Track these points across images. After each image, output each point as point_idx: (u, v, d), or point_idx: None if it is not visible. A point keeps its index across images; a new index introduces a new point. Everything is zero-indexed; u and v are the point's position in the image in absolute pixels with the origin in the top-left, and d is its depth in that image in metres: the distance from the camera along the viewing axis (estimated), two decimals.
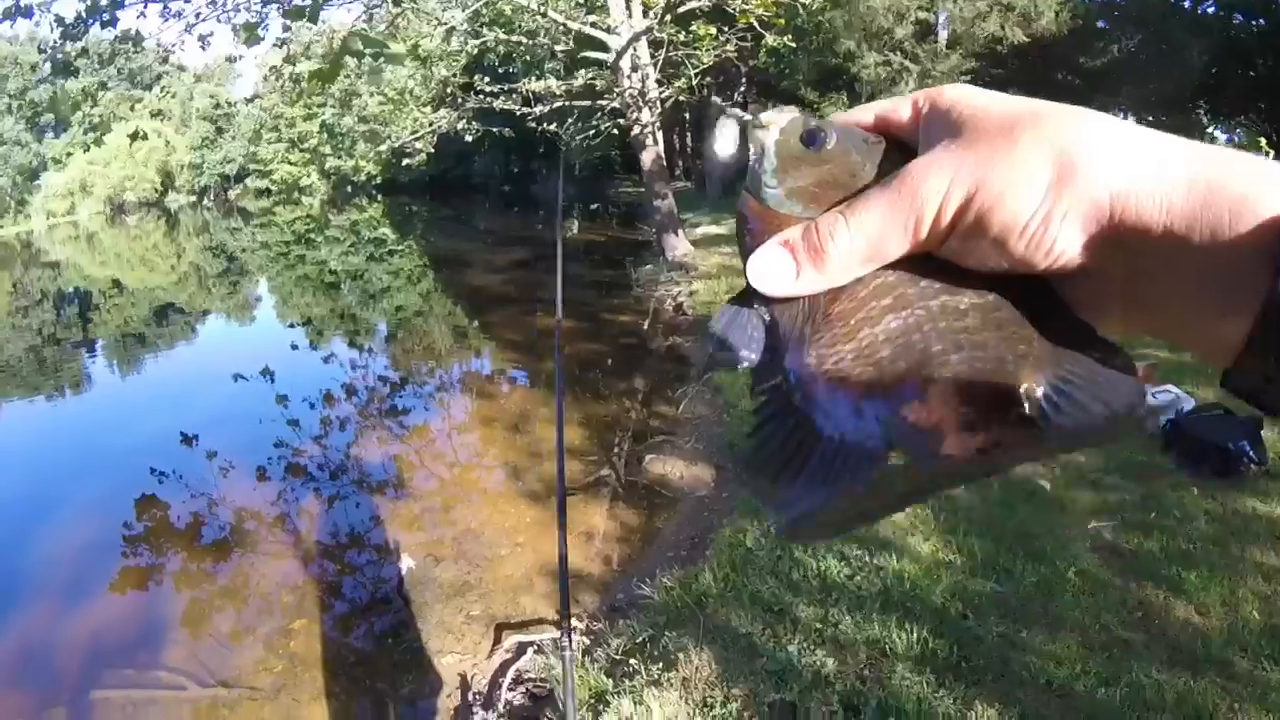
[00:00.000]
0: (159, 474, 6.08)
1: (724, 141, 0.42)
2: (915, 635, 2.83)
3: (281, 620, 3.98)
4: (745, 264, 0.39)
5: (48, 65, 8.55)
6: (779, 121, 0.39)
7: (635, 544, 4.27)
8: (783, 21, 10.74)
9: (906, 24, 13.59)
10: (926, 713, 2.49)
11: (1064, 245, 0.33)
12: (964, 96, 0.36)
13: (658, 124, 12.47)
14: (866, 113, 0.40)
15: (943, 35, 14.48)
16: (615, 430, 5.91)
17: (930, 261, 0.36)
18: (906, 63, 13.69)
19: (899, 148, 0.38)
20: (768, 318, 0.39)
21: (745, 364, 0.40)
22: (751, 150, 0.39)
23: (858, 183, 0.38)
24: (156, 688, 3.58)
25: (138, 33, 8.78)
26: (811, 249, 0.37)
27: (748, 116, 0.40)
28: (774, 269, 0.37)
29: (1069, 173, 0.32)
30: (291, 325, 12.94)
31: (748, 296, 0.39)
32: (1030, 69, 17.62)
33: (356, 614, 4.04)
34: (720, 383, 6.21)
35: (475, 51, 13.43)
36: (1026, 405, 0.33)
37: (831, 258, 0.36)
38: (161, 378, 10.50)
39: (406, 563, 4.24)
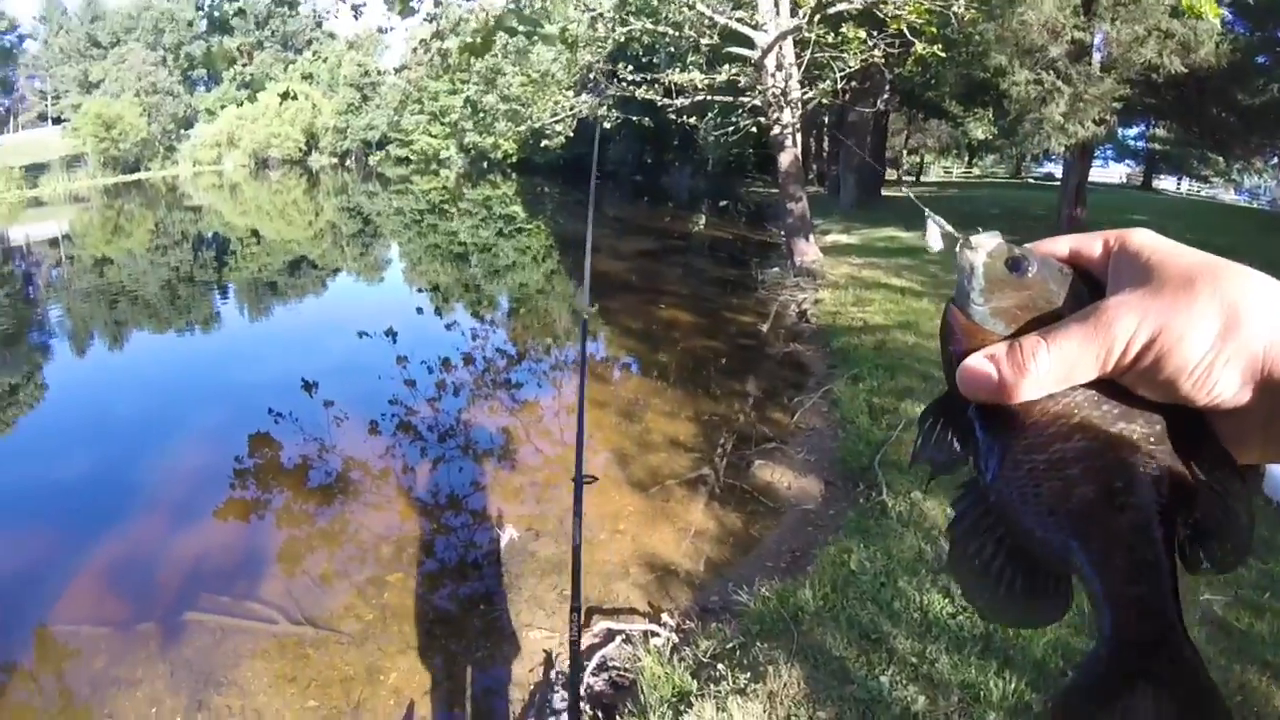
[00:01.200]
0: (276, 414, 6.43)
1: (931, 239, 0.49)
2: (1012, 685, 2.71)
3: (377, 571, 4.11)
4: (946, 367, 0.45)
5: (204, 22, 9.00)
6: (987, 245, 0.45)
7: (734, 548, 4.21)
8: (934, 30, 10.38)
9: (1061, 42, 12.82)
10: None
11: (1223, 388, 0.38)
12: (1150, 243, 0.42)
13: (797, 125, 12.26)
14: (1062, 244, 0.46)
15: (1097, 57, 13.66)
16: (724, 430, 5.84)
17: (1108, 386, 0.42)
18: (1059, 83, 12.93)
19: (1087, 279, 0.44)
20: (968, 419, 0.45)
21: (954, 457, 0.45)
22: (961, 267, 0.45)
23: (1051, 309, 0.44)
24: (247, 618, 3.76)
25: None
26: (1015, 365, 0.42)
27: (956, 234, 0.47)
28: (979, 378, 0.43)
29: (1233, 326, 0.38)
30: (418, 290, 13.41)
31: (950, 398, 0.45)
32: (1185, 101, 16.44)
33: (451, 575, 4.13)
34: (838, 397, 6.06)
35: (621, 39, 13.52)
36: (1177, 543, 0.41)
37: (1030, 375, 0.41)
38: (288, 325, 11.09)
39: (507, 533, 4.32)
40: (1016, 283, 0.44)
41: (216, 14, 8.70)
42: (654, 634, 3.29)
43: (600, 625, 3.39)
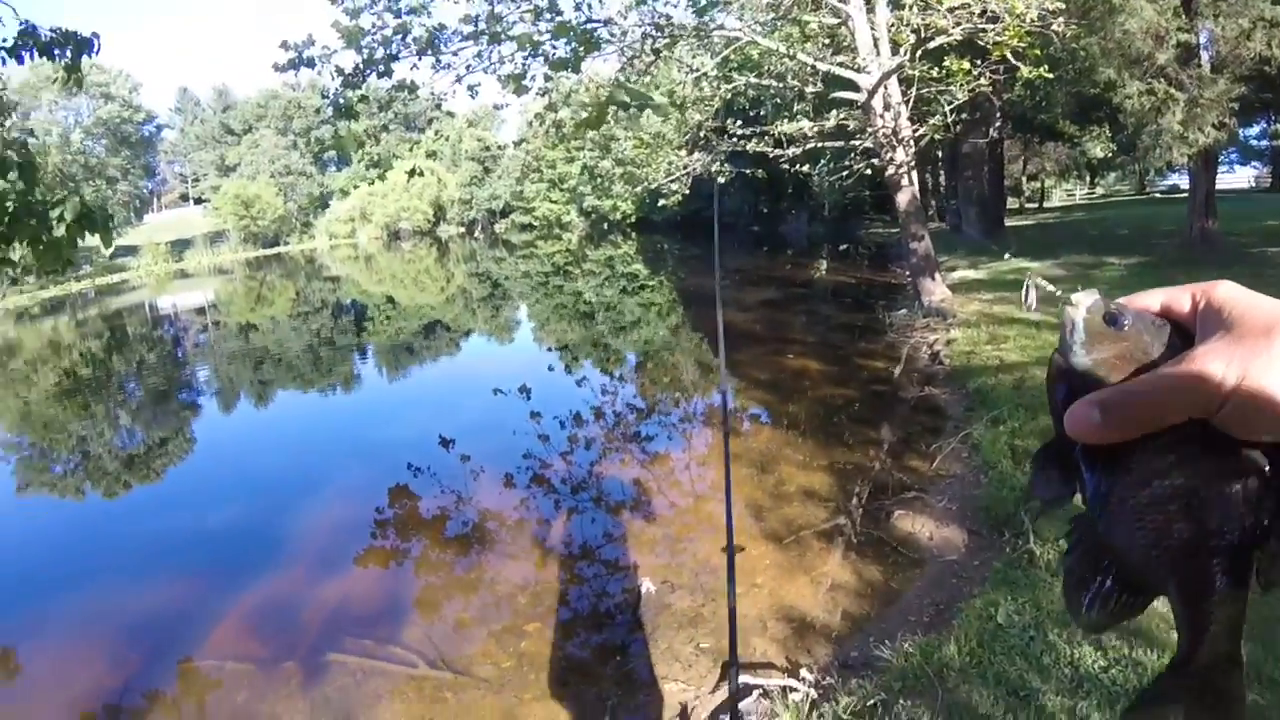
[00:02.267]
0: (415, 469, 6.79)
1: (1029, 300, 0.72)
2: None
3: (514, 619, 4.22)
4: (1052, 412, 0.51)
5: (330, 109, 9.74)
6: (1085, 301, 0.50)
7: (874, 601, 4.10)
8: (1037, 52, 10.06)
9: (1167, 47, 12.09)
10: None
11: None
12: (1233, 295, 0.47)
13: (912, 163, 12.06)
14: (1154, 299, 0.52)
15: (1206, 58, 12.84)
16: (860, 480, 5.72)
17: (1201, 426, 0.46)
18: (1171, 90, 12.19)
19: (1178, 331, 0.49)
20: (1077, 458, 0.50)
21: (1064, 493, 0.51)
22: (1063, 322, 0.50)
23: (1147, 359, 0.48)
24: (387, 660, 3.94)
25: (412, 82, 9.79)
26: (1116, 408, 0.47)
27: (1057, 292, 0.61)
28: (1085, 421, 0.48)
29: None
30: (548, 349, 13.82)
31: (1058, 441, 0.50)
32: None
33: (588, 626, 4.20)
34: (978, 441, 5.84)
35: (726, 96, 13.75)
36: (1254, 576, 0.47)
37: (1130, 417, 0.47)
38: (425, 385, 11.65)
39: (645, 585, 4.37)
40: (1114, 335, 0.49)
41: (342, 101, 9.38)
42: (792, 689, 3.25)
43: (738, 679, 3.38)
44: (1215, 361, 0.45)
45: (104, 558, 5.92)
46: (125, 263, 45.34)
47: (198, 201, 70.78)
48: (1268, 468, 0.47)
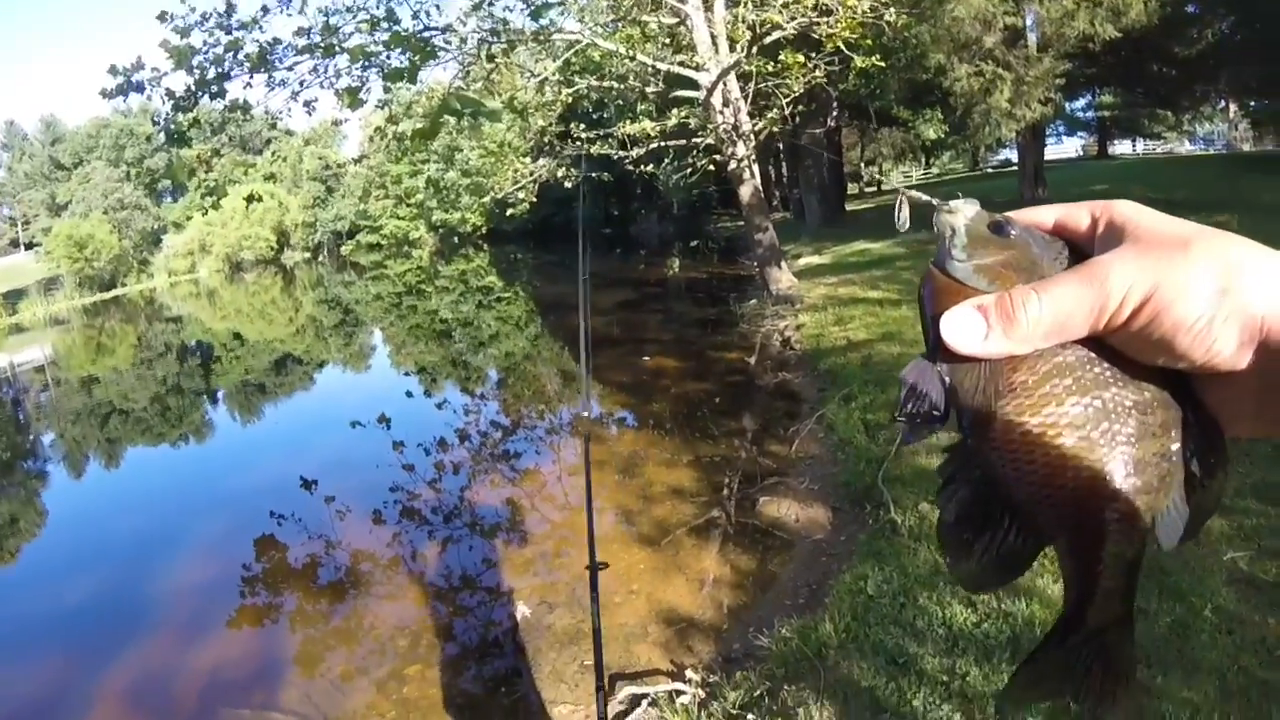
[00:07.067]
0: (278, 516, 6.38)
1: (900, 218, 0.50)
2: None
3: (394, 664, 4.04)
4: (925, 328, 0.43)
5: (161, 135, 9.15)
6: (967, 211, 0.44)
7: (750, 590, 4.15)
8: (870, 42, 10.59)
9: (995, 31, 13.14)
10: None
11: (1220, 346, 0.38)
12: (1137, 213, 0.41)
13: (753, 157, 12.43)
14: (1046, 215, 0.46)
15: (1032, 38, 13.99)
16: (725, 471, 5.80)
17: (1099, 348, 0.40)
18: (999, 71, 13.20)
19: (1073, 250, 0.43)
20: (947, 379, 0.42)
21: (936, 418, 0.42)
22: (940, 230, 0.44)
23: (1037, 272, 0.42)
24: None
25: (245, 102, 9.30)
26: (1004, 314, 0.40)
27: (934, 200, 0.46)
28: (965, 328, 0.41)
29: (1233, 285, 0.37)
30: (405, 373, 13.41)
31: (930, 357, 0.43)
32: (1124, 64, 16.91)
33: (469, 660, 4.06)
34: (833, 420, 6.04)
35: (569, 100, 13.75)
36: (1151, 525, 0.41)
37: (1020, 325, 0.40)
38: (281, 425, 11.07)
39: (521, 609, 4.26)
40: (1000, 242, 0.43)
41: (172, 127, 8.80)
42: (679, 693, 3.22)
43: (625, 691, 3.32)
44: (1124, 269, 0.38)
45: None
46: None
47: (29, 246, 64.60)
48: (1178, 400, 0.41)
